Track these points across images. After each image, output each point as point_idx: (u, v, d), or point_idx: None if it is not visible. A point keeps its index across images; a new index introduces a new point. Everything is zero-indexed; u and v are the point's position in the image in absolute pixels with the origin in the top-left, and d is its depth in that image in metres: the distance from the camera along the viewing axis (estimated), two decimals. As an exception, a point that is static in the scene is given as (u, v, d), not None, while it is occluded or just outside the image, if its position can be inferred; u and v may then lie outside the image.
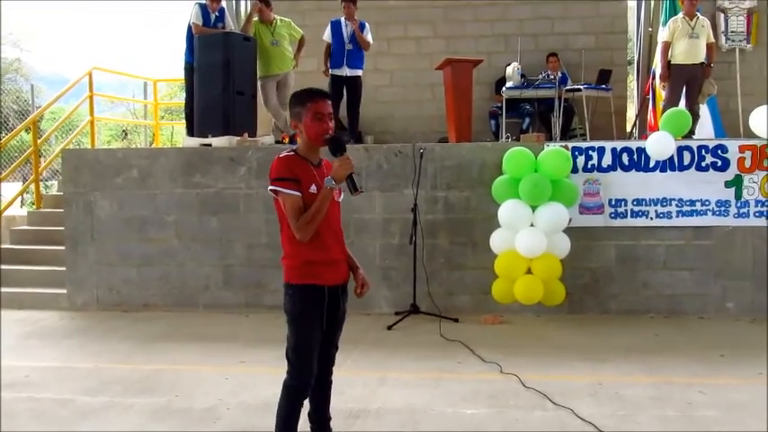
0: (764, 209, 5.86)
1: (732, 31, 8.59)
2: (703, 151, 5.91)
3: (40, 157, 8.34)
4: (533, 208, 5.67)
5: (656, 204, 5.96)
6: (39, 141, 8.29)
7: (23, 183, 9.75)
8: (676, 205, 5.94)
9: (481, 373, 4.45)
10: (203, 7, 7.20)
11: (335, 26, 7.52)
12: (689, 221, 5.94)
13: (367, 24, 7.60)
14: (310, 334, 2.77)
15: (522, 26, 9.09)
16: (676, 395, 3.97)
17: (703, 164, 5.91)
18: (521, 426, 3.58)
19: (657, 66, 7.66)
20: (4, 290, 6.69)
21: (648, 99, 8.38)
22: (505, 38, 9.06)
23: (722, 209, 5.91)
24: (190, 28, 7.24)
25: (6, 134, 11.93)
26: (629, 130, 8.99)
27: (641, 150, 5.96)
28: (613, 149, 6.00)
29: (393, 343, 5.26)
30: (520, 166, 5.73)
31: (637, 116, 8.70)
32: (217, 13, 7.29)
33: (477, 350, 4.91)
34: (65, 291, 6.62)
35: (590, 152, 6.01)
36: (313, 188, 2.72)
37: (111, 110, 21.53)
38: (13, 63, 22.57)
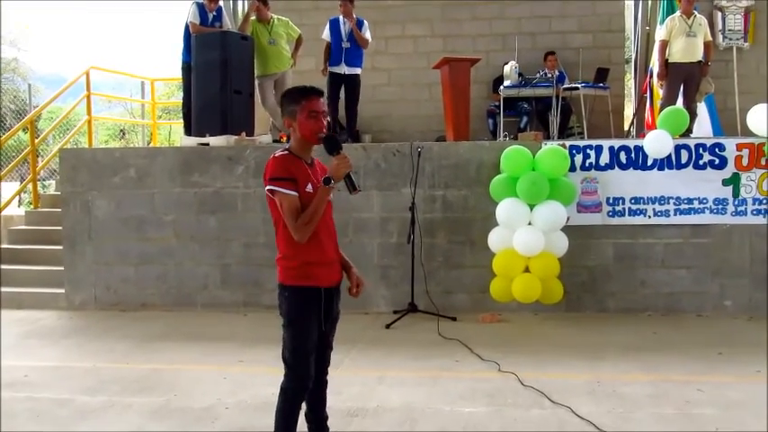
0: (762, 207, 5.87)
1: (729, 30, 8.59)
2: (701, 149, 5.92)
3: (37, 156, 8.31)
4: (531, 207, 5.68)
5: (653, 203, 5.96)
6: (36, 141, 8.27)
7: (21, 182, 9.70)
8: (674, 203, 5.94)
9: (479, 372, 4.46)
10: (201, 6, 7.19)
11: (334, 24, 7.51)
12: (687, 220, 5.94)
13: (365, 22, 7.57)
14: (308, 336, 2.74)
15: (519, 25, 9.10)
16: (674, 393, 3.98)
17: (701, 162, 5.92)
18: (519, 424, 3.58)
19: (655, 64, 7.67)
20: (2, 289, 6.67)
21: (646, 97, 8.38)
22: (503, 37, 9.07)
23: (720, 207, 5.91)
24: (187, 27, 7.22)
25: (4, 134, 11.89)
26: (626, 128, 9.00)
27: (639, 149, 5.96)
28: (611, 148, 6.00)
29: (391, 342, 5.27)
30: (518, 165, 5.74)
31: (634, 115, 8.71)
32: (214, 13, 7.28)
33: (475, 349, 4.92)
34: (63, 290, 6.62)
35: (588, 151, 6.01)
36: (309, 187, 2.68)
37: (108, 109, 21.48)
38: (11, 62, 22.51)
